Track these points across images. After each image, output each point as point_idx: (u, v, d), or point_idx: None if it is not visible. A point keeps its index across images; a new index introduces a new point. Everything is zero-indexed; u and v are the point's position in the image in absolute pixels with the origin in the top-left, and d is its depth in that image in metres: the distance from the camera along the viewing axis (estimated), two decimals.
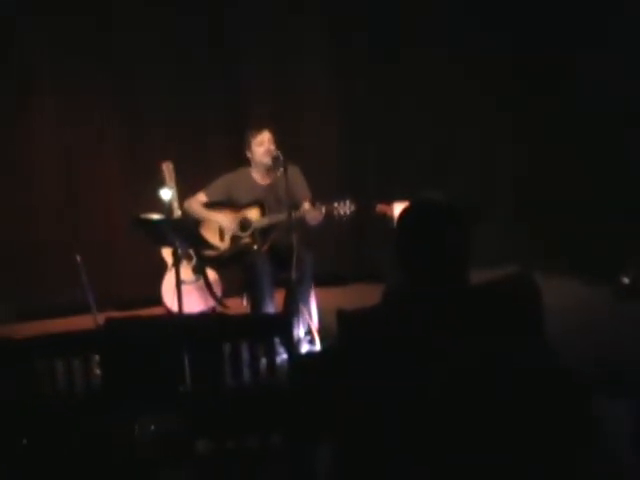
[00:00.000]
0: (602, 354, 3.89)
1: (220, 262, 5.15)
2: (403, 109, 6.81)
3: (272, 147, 4.97)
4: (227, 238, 5.09)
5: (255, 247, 5.00)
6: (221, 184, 5.16)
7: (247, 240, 5.05)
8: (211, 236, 5.09)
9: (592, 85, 6.01)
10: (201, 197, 5.15)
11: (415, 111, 6.76)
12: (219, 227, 5.11)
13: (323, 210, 4.78)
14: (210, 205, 5.15)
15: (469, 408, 1.77)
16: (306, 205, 5.01)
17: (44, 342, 2.98)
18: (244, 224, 5.05)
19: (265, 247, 5.01)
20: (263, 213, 5.03)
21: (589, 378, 1.95)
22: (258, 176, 5.13)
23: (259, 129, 5.03)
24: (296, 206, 4.90)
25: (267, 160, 4.98)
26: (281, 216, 4.88)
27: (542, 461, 1.77)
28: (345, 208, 4.77)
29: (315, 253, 4.96)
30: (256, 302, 4.81)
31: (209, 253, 5.07)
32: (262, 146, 4.99)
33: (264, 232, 5.02)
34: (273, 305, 4.83)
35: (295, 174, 5.00)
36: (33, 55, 6.57)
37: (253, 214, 5.05)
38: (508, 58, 6.63)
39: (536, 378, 1.81)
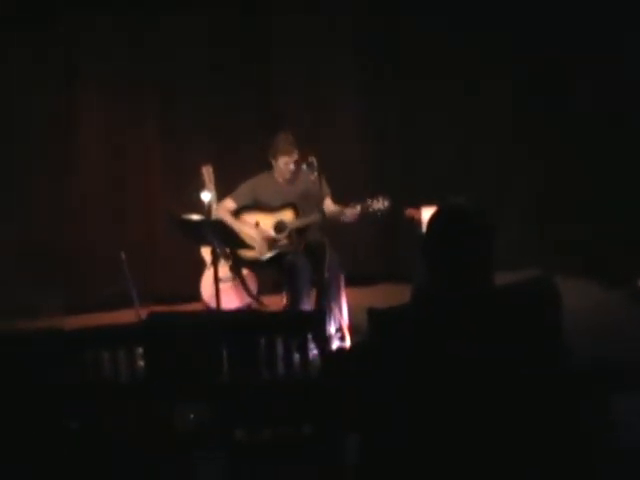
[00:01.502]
0: (617, 356, 3.87)
1: (258, 265, 5.16)
2: (427, 122, 6.78)
3: (294, 161, 4.99)
4: (265, 240, 5.09)
5: (293, 248, 5.01)
6: (246, 188, 5.15)
7: (284, 241, 5.06)
8: (249, 237, 5.10)
9: (608, 97, 5.96)
10: (229, 204, 5.15)
11: (439, 124, 6.73)
12: (256, 225, 5.10)
13: (358, 208, 4.78)
14: (241, 210, 5.14)
15: (487, 411, 1.79)
16: (328, 202, 5.02)
17: (92, 334, 3.04)
18: (280, 226, 5.07)
19: (302, 246, 5.02)
20: (297, 214, 5.05)
21: (604, 379, 1.95)
22: (280, 179, 5.15)
23: (289, 149, 5.00)
24: (320, 204, 4.90)
25: (289, 177, 5.04)
26: (315, 216, 4.89)
27: (558, 464, 1.78)
28: (379, 204, 4.75)
29: (345, 253, 4.97)
30: (295, 300, 4.82)
31: (247, 254, 5.09)
32: (287, 166, 5.01)
33: (299, 232, 5.04)
34: (310, 303, 4.85)
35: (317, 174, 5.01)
36: (80, 55, 6.67)
37: (287, 216, 5.07)
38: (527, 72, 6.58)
39: (552, 381, 1.82)
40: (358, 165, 6.89)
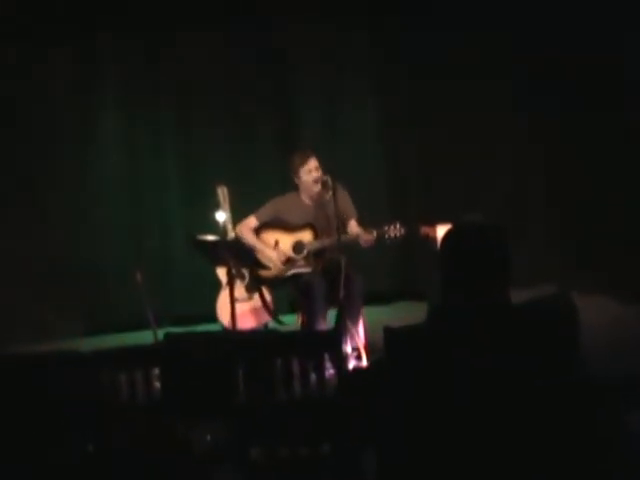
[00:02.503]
0: (634, 371, 3.83)
1: (275, 283, 5.17)
2: (445, 137, 6.79)
3: (320, 174, 5.00)
4: (282, 260, 5.11)
5: (310, 269, 5.02)
6: (271, 208, 5.20)
7: (301, 262, 5.07)
8: (267, 257, 5.12)
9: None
10: (252, 221, 5.18)
11: (454, 140, 6.74)
12: (275, 244, 5.11)
13: (375, 234, 4.81)
14: (262, 227, 5.18)
15: (502, 424, 1.78)
16: (353, 224, 5.03)
17: (109, 355, 3.04)
18: (298, 247, 5.08)
19: (319, 267, 5.03)
20: (316, 235, 5.05)
21: (620, 394, 1.93)
22: (307, 199, 5.17)
23: (305, 157, 5.05)
24: (344, 226, 4.91)
25: (317, 188, 5.02)
26: (333, 239, 4.91)
27: (573, 476, 1.76)
28: (396, 231, 4.79)
29: (361, 272, 4.97)
30: (310, 320, 4.83)
31: (264, 274, 5.10)
32: (310, 174, 5.01)
33: (317, 254, 5.05)
34: (325, 324, 4.85)
35: (342, 195, 5.02)
36: (97, 72, 6.74)
37: (306, 236, 5.08)
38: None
39: (566, 393, 1.80)
40: (376, 182, 6.91)
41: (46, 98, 6.58)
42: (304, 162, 5.03)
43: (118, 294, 6.52)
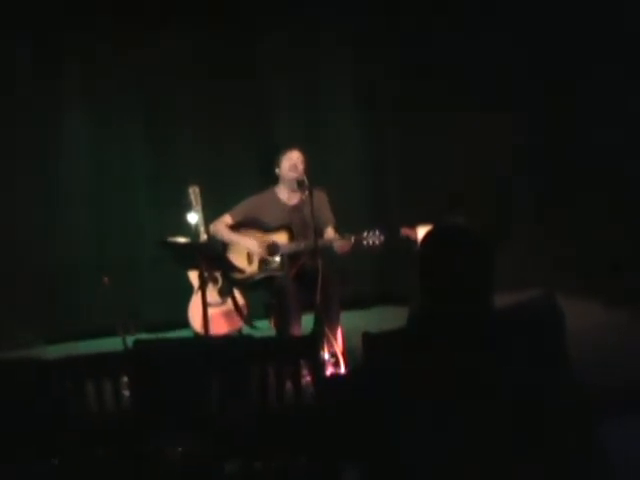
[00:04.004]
0: (619, 375, 3.87)
1: (248, 285, 5.17)
2: (427, 138, 6.82)
3: (300, 166, 5.02)
4: (255, 262, 5.12)
5: (283, 271, 5.02)
6: (247, 206, 5.20)
7: (275, 264, 5.07)
8: (239, 259, 5.10)
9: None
10: (227, 219, 5.18)
11: (440, 143, 6.77)
12: (247, 251, 5.13)
13: (352, 239, 4.80)
14: (237, 227, 5.17)
15: (486, 435, 1.78)
16: (330, 231, 5.04)
17: (75, 363, 3.02)
18: (272, 248, 5.07)
19: (293, 271, 5.02)
20: (291, 237, 5.05)
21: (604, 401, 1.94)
22: (285, 196, 5.16)
23: (290, 147, 5.12)
24: (320, 231, 4.92)
25: (292, 175, 5.02)
26: (309, 243, 4.90)
27: None
28: (374, 238, 4.78)
29: (340, 276, 4.96)
30: (283, 326, 4.82)
31: (237, 276, 5.09)
32: (290, 161, 5.04)
33: (292, 257, 5.04)
34: (300, 329, 4.84)
35: (320, 198, 5.02)
36: (63, 71, 6.68)
37: (281, 238, 5.07)
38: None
39: (553, 402, 1.81)
40: (355, 186, 6.93)
41: (10, 98, 6.51)
42: (287, 150, 5.08)
43: (85, 299, 6.46)
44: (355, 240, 4.80)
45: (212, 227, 5.23)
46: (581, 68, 6.23)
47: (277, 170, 5.14)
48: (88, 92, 6.72)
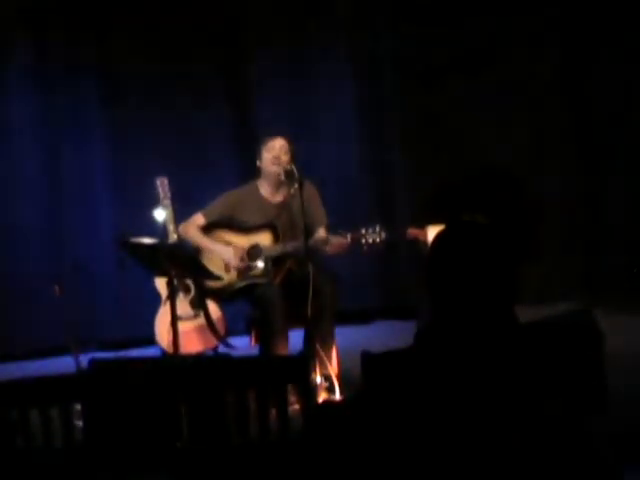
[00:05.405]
0: None
1: (225, 295, 5.15)
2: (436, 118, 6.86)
3: (284, 157, 5.00)
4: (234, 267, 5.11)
5: (267, 278, 5.01)
6: (223, 203, 5.18)
7: (257, 270, 5.05)
8: (215, 264, 5.09)
9: None
10: (199, 219, 5.15)
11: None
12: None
13: (349, 238, 4.79)
14: (211, 228, 5.15)
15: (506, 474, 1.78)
16: (321, 230, 5.03)
17: (16, 388, 3.01)
18: (254, 252, 5.05)
19: (278, 278, 5.02)
20: (276, 238, 5.04)
21: None
22: (267, 192, 5.16)
23: (273, 136, 5.07)
24: (310, 231, 4.91)
25: (275, 169, 5.00)
26: (297, 243, 4.89)
27: None
28: (374, 236, 4.78)
29: (335, 285, 4.97)
30: (267, 342, 4.82)
31: (212, 284, 5.08)
32: (272, 152, 5.02)
33: (277, 261, 5.03)
34: (287, 346, 4.84)
35: (311, 194, 5.03)
36: (14, 53, 6.73)
37: (264, 239, 5.06)
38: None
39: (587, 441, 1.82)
40: (353, 176, 6.95)
41: None
42: (269, 139, 5.05)
43: (32, 312, 6.46)
44: (352, 238, 4.79)
45: (181, 229, 5.21)
46: None
47: (258, 163, 5.12)
48: (38, 68, 6.76)
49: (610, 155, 6.69)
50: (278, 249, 5.02)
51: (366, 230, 4.80)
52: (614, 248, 6.60)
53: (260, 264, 5.03)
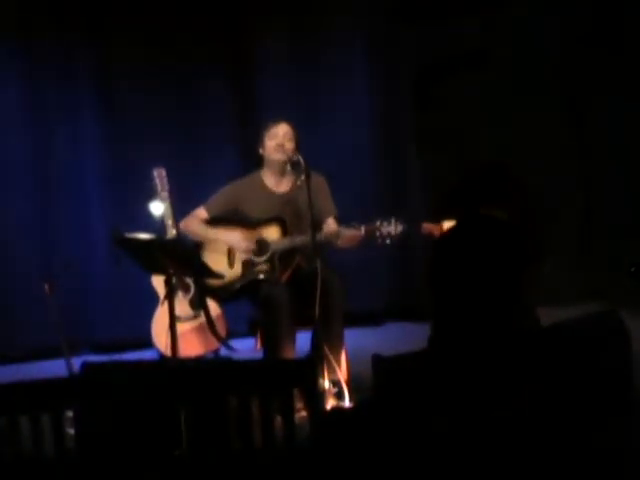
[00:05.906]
0: None
1: (227, 294, 5.15)
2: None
3: (288, 144, 5.00)
4: (237, 263, 5.09)
5: (273, 275, 5.00)
6: (226, 195, 5.18)
7: (263, 266, 5.05)
8: (217, 261, 5.08)
9: None
10: (201, 214, 5.16)
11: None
12: (228, 249, 5.10)
13: (363, 230, 4.78)
14: (214, 223, 5.16)
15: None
16: (330, 221, 5.03)
17: (5, 393, 3.01)
18: (260, 246, 5.05)
19: (286, 276, 5.02)
20: (284, 232, 5.03)
21: None
22: (272, 182, 5.16)
23: (276, 121, 5.08)
24: (318, 223, 4.90)
25: (278, 157, 5.02)
26: (306, 237, 4.88)
27: None
28: (390, 228, 4.76)
29: (345, 284, 4.96)
30: (272, 345, 4.82)
31: (213, 282, 5.07)
32: (275, 139, 5.03)
33: (285, 256, 5.03)
34: (294, 349, 4.84)
35: (319, 184, 5.02)
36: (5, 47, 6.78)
37: (271, 233, 5.05)
38: None
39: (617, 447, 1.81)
40: (365, 169, 6.96)
41: None
42: (272, 125, 5.06)
43: (21, 314, 6.50)
44: (366, 231, 4.77)
45: (182, 224, 5.22)
46: None
47: (260, 151, 5.13)
48: (25, 54, 6.80)
49: (611, 155, 6.75)
50: (286, 242, 5.01)
51: (381, 222, 4.78)
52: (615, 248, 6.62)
53: (264, 260, 5.02)
